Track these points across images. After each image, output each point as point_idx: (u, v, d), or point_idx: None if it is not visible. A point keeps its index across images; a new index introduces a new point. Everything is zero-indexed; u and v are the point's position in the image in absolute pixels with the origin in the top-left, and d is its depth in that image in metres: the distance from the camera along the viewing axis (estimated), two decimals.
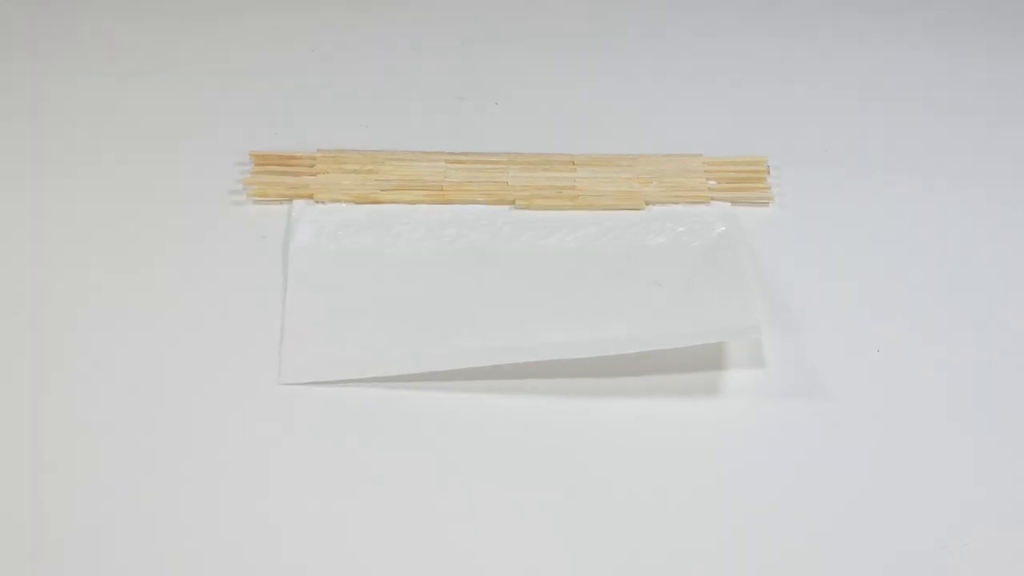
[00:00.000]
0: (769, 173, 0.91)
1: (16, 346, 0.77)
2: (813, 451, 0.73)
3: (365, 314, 0.79)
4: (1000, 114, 1.00)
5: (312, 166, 0.90)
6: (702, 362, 0.77)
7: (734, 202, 0.89)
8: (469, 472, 0.71)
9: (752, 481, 0.71)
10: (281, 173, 0.89)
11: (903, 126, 0.98)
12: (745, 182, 0.90)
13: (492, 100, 0.99)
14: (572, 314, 0.79)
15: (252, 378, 0.75)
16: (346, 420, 0.73)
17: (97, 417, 0.73)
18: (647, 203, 0.88)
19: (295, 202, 0.87)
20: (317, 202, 0.87)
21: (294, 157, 0.91)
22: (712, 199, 0.88)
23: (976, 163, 0.95)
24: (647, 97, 1.00)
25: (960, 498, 0.71)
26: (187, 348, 0.77)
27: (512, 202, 0.88)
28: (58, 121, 0.94)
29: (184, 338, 0.78)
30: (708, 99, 1.00)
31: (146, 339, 0.77)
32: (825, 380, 0.77)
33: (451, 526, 0.68)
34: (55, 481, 0.69)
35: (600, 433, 0.74)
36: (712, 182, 0.90)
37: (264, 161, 0.90)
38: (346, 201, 0.87)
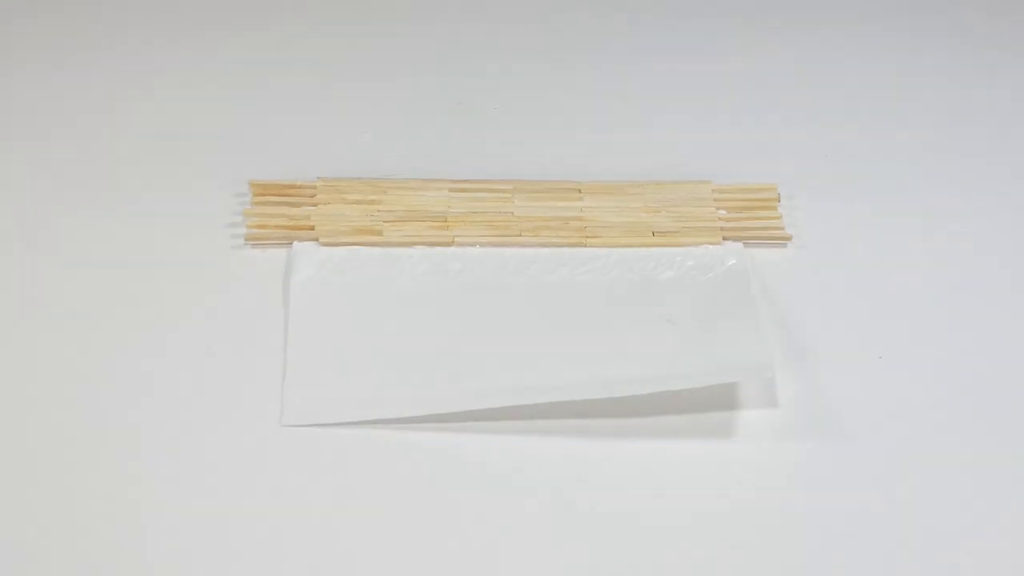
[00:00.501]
0: (780, 201, 0.90)
1: (17, 359, 0.76)
2: (829, 489, 0.73)
3: (369, 352, 0.78)
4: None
5: (313, 196, 0.88)
6: (715, 400, 0.76)
7: (747, 240, 0.86)
8: (477, 513, 0.71)
9: (767, 521, 0.71)
10: (281, 204, 0.87)
11: (904, 127, 0.97)
12: (755, 211, 0.89)
13: (491, 106, 0.98)
14: (582, 354, 0.78)
15: (256, 418, 0.74)
16: (351, 461, 0.73)
17: (100, 454, 0.72)
18: (655, 234, 0.86)
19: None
20: (321, 245, 0.85)
21: (294, 187, 0.88)
22: (722, 230, 0.86)
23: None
24: (653, 111, 0.99)
25: (978, 535, 0.71)
26: (188, 384, 0.76)
27: (518, 235, 0.86)
28: (51, 132, 0.93)
29: (184, 375, 0.77)
30: (714, 112, 0.99)
31: (145, 371, 0.77)
32: (838, 408, 0.77)
33: (458, 568, 0.68)
34: (57, 518, 0.69)
35: (612, 475, 0.73)
36: (722, 211, 0.88)
37: (264, 191, 0.88)
38: (349, 237, 0.85)
